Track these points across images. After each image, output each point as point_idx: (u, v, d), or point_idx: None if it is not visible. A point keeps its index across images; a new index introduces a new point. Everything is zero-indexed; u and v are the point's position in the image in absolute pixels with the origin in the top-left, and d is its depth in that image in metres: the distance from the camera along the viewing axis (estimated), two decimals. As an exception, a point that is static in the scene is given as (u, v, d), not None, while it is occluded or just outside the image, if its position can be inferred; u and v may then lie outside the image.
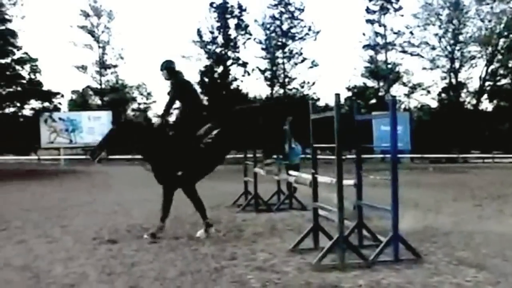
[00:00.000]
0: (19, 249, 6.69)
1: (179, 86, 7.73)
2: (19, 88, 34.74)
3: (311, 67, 41.61)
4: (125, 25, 65.02)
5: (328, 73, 63.88)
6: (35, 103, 35.45)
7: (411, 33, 40.03)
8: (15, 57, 35.81)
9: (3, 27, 35.49)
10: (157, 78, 69.53)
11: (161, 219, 7.44)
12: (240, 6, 41.35)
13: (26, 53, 36.24)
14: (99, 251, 6.48)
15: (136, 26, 65.37)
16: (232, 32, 41.37)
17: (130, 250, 6.46)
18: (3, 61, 35.15)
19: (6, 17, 35.66)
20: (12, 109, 35.23)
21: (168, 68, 7.76)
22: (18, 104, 34.74)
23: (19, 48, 35.98)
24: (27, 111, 35.74)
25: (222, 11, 41.03)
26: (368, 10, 40.82)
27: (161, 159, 7.35)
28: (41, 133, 34.70)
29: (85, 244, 6.87)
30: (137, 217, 9.15)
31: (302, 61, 41.75)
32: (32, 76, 36.53)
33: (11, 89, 34.76)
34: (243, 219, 9.10)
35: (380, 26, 40.95)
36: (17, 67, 35.81)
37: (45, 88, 36.22)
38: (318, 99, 39.92)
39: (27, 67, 36.24)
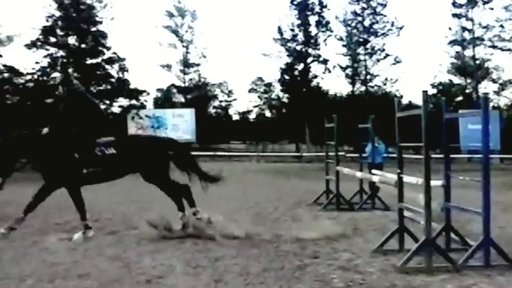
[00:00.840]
0: (110, 240, 7.03)
1: (70, 95, 7.65)
2: (108, 87, 36.47)
3: (393, 63, 40.54)
4: (207, 24, 66.37)
5: (411, 69, 62.00)
6: (123, 101, 37.07)
7: (502, 26, 37.87)
8: (105, 57, 37.54)
9: (94, 29, 37.33)
10: (238, 76, 70.94)
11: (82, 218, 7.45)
12: (320, 3, 40.97)
13: (115, 53, 37.88)
14: (185, 244, 6.68)
15: (218, 25, 66.52)
16: (313, 29, 41.08)
17: (214, 245, 6.61)
18: (94, 61, 36.98)
19: (97, 19, 37.48)
20: (102, 107, 37.02)
21: (63, 82, 7.77)
22: (108, 102, 36.43)
23: (108, 49, 37.68)
24: (115, 108, 37.41)
25: (303, 8, 40.84)
26: (454, 4, 39.11)
27: (51, 161, 7.28)
28: (128, 129, 36.27)
29: (171, 237, 7.09)
30: (221, 212, 9.29)
31: (385, 57, 40.74)
32: (120, 75, 38.12)
33: (101, 88, 36.51)
34: (324, 218, 9.05)
35: (467, 20, 39.08)
36: (107, 66, 37.50)
37: (132, 86, 37.73)
38: (401, 97, 38.86)
39: (116, 66, 37.87)
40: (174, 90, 43.50)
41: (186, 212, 7.70)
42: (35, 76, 34.75)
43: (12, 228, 7.09)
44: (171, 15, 42.72)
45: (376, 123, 10.52)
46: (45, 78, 34.83)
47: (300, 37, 40.92)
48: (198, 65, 43.25)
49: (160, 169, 7.73)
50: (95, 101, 7.95)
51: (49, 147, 7.25)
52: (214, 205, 10.58)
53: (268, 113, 44.57)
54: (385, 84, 40.94)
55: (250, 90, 44.49)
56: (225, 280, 4.99)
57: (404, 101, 37.67)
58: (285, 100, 41.84)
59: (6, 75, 34.44)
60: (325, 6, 41.05)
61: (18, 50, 39.40)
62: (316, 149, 34.61)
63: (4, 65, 34.74)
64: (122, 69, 37.97)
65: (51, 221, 8.25)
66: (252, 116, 45.20)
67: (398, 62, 40.46)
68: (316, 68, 41.07)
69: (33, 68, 34.91)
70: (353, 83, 41.31)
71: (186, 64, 42.98)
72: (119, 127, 32.34)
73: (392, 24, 40.63)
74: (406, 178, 6.09)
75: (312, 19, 41.11)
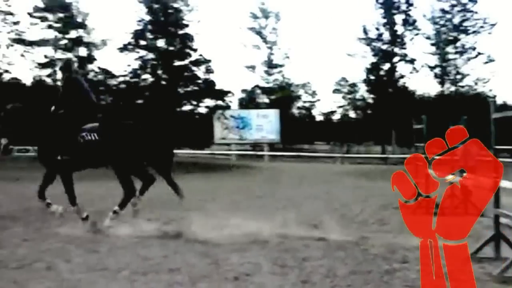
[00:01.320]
0: (198, 236, 7.19)
1: (67, 81, 8.00)
2: (195, 88, 37.47)
3: (486, 62, 38.68)
4: (291, 25, 66.56)
5: (505, 68, 58.68)
6: (209, 101, 37.97)
7: None
8: (192, 59, 38.63)
9: (182, 32, 38.52)
10: (321, 77, 70.59)
11: (71, 203, 7.71)
12: (407, 1, 39.74)
13: (201, 55, 38.89)
14: (270, 244, 6.72)
15: (301, 25, 66.54)
16: (399, 28, 40.00)
17: (300, 245, 6.60)
18: (181, 63, 38.16)
19: (184, 22, 38.66)
20: (189, 107, 38.15)
21: (64, 67, 8.17)
22: (195, 102, 37.46)
23: (195, 51, 38.74)
24: (202, 109, 38.38)
25: (389, 7, 39.89)
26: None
27: (43, 143, 7.75)
28: (214, 129, 37.19)
29: (257, 236, 7.15)
30: (306, 213, 9.29)
31: (476, 56, 38.97)
32: (206, 76, 39.05)
33: (188, 89, 37.61)
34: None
35: None
36: (194, 68, 38.56)
37: (217, 87, 38.55)
38: (495, 97, 36.97)
39: (202, 68, 38.84)
40: (258, 91, 43.99)
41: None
42: (127, 78, 36.41)
43: (83, 218, 7.64)
44: (255, 16, 43.29)
45: (468, 124, 10.07)
46: (136, 79, 36.41)
47: (386, 36, 39.98)
48: (281, 66, 43.55)
49: (135, 158, 7.82)
50: (88, 88, 8.22)
51: (47, 126, 7.77)
52: (299, 205, 10.65)
53: (352, 114, 43.99)
54: (476, 84, 39.17)
55: (334, 91, 44.10)
56: (312, 281, 4.98)
57: (498, 101, 35.86)
58: (370, 100, 41.05)
59: (100, 77, 36.39)
60: (412, 4, 39.82)
61: (112, 53, 41.65)
62: (402, 151, 33.73)
63: (99, 68, 36.76)
64: (208, 70, 38.88)
65: (143, 217, 8.59)
66: (336, 116, 44.79)
67: (491, 60, 38.57)
68: (402, 68, 40.02)
69: (125, 70, 36.61)
70: (442, 83, 39.85)
71: (270, 65, 43.37)
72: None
73: (484, 21, 38.78)
74: (502, 183, 5.80)
75: (398, 18, 40.04)
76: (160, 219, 8.55)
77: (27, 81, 38.67)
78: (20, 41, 37.84)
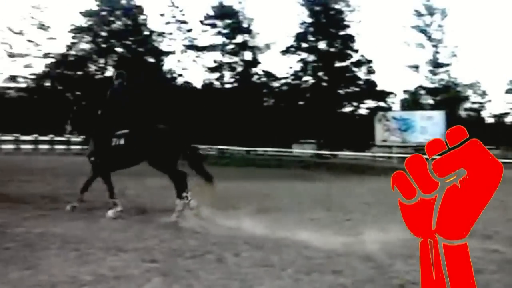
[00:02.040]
0: (360, 239, 7.05)
1: (111, 90, 8.48)
2: (356, 89, 37.23)
3: None
4: (459, 21, 62.79)
5: None
6: (370, 103, 37.43)
7: None
8: (353, 60, 38.43)
9: (343, 33, 38.50)
10: (492, 76, 65.55)
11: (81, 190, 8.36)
12: None
13: (362, 55, 38.48)
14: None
15: (470, 21, 62.42)
16: None
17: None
18: (342, 64, 38.15)
19: (345, 23, 38.59)
20: (350, 108, 37.99)
21: (117, 76, 8.52)
22: (355, 104, 37.24)
23: (356, 51, 38.46)
24: (363, 110, 37.98)
25: None
26: None
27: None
28: (375, 131, 36.49)
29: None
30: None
31: None
32: (367, 77, 38.57)
33: (349, 90, 37.50)
34: None
35: None
36: (354, 69, 38.35)
37: (378, 88, 37.84)
38: None
39: (363, 68, 38.45)
40: (422, 91, 42.32)
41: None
42: (289, 80, 37.37)
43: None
44: (419, 14, 41.72)
45: None
46: (297, 81, 37.21)
47: None
48: (448, 65, 41.47)
49: (165, 159, 8.05)
50: (125, 96, 8.54)
51: (93, 128, 8.38)
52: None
53: (529, 116, 40.28)
54: None
55: (507, 91, 40.79)
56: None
57: None
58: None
59: (264, 79, 37.86)
60: None
61: (274, 56, 43.15)
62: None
63: (263, 70, 38.30)
64: (370, 71, 38.38)
65: (306, 216, 8.68)
66: (509, 119, 41.36)
67: None
68: None
69: (287, 73, 37.61)
70: None
71: (435, 64, 41.49)
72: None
73: None
74: None
75: None
76: (323, 220, 8.59)
77: (198, 84, 41.66)
78: (192, 47, 40.92)
